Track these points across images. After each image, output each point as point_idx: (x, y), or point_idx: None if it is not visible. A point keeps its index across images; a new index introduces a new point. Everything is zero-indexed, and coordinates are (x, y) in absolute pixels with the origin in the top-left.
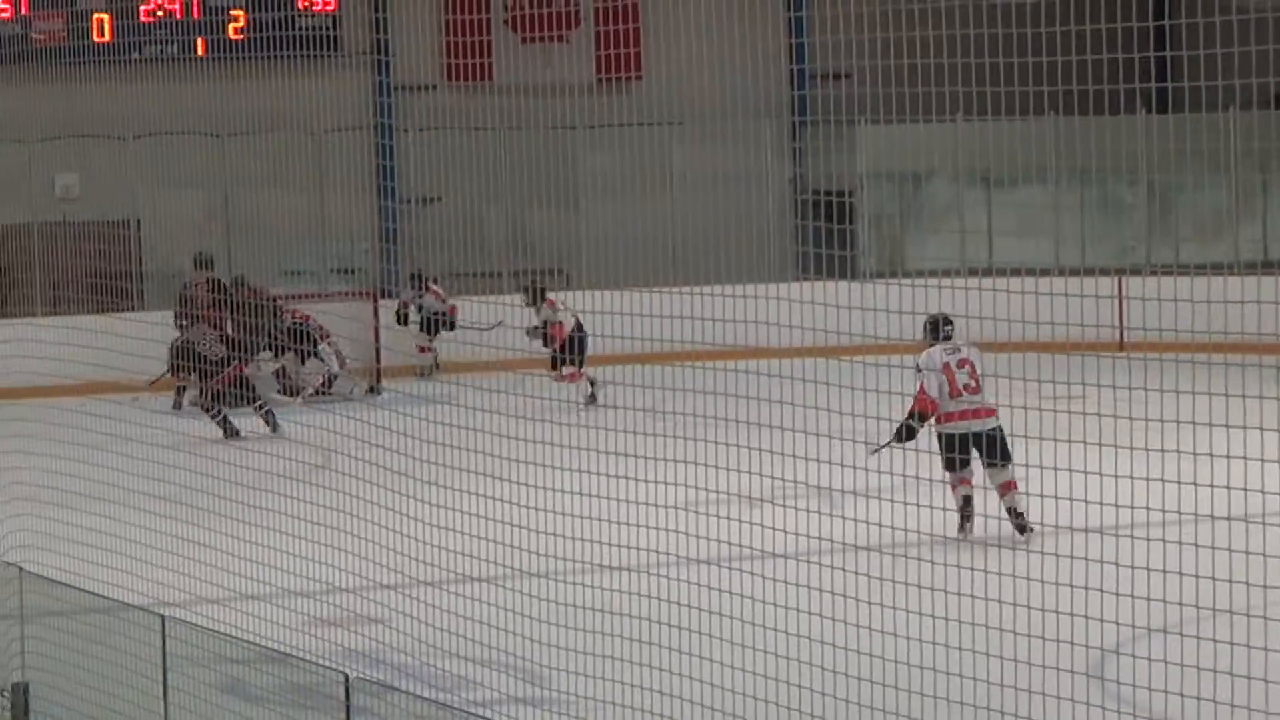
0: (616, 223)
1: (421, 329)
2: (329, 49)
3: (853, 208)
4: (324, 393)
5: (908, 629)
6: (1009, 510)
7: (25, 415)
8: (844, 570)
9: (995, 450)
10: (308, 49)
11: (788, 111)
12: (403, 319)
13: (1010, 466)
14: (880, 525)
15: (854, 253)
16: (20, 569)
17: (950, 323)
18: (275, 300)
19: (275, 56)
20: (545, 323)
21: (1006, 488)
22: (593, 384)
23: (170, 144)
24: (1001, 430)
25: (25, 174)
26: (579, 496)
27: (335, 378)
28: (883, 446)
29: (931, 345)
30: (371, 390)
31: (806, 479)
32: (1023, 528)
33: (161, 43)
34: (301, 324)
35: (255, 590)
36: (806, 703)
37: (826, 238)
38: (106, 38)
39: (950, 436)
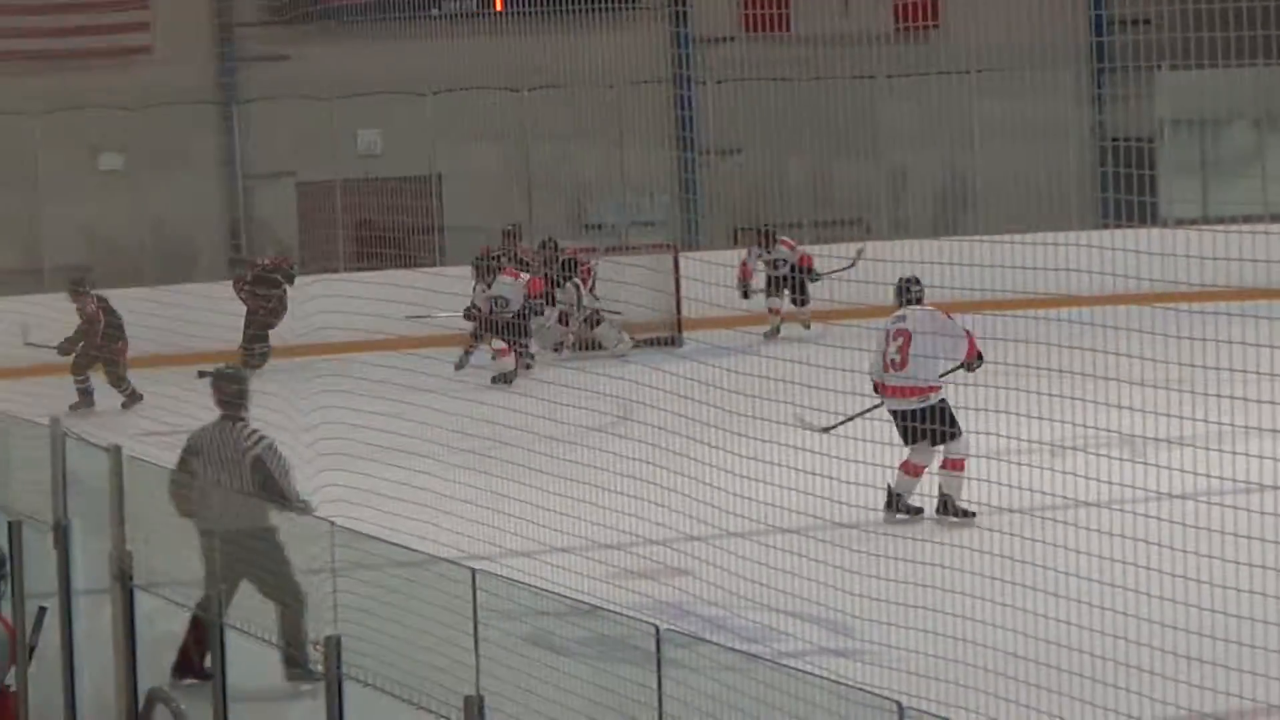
0: (917, 172)
1: (772, 289)
2: (627, 1)
3: (1154, 154)
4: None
5: (1224, 578)
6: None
7: (331, 370)
8: (1156, 518)
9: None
10: (606, 1)
11: (1088, 58)
12: (746, 292)
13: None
14: (1195, 473)
15: (1155, 199)
16: (331, 523)
17: (918, 284)
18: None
19: (573, 9)
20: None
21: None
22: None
23: (470, 99)
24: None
25: (328, 131)
26: (885, 446)
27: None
28: (837, 425)
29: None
30: (671, 342)
31: (1116, 426)
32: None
33: None
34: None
35: (563, 542)
36: (1121, 652)
37: (1128, 184)
38: None
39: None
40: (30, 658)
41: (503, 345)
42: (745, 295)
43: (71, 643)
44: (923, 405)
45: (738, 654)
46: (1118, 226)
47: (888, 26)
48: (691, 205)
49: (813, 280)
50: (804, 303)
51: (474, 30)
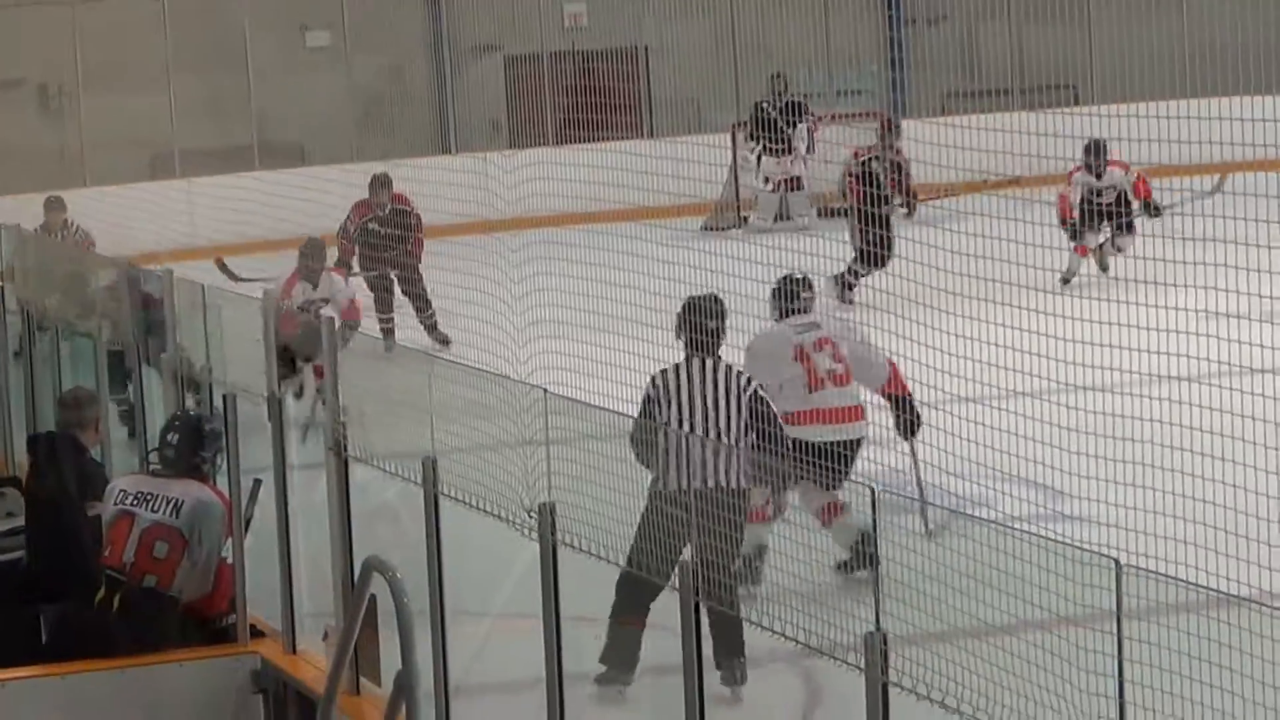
0: (1128, 34)
1: (1086, 222)
2: None
3: None
4: None
5: None
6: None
7: (541, 241)
8: None
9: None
10: None
11: None
12: (1075, 232)
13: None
14: None
15: None
16: (545, 391)
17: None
18: None
19: None
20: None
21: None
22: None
23: None
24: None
25: (534, 4)
26: (1132, 306)
27: None
28: None
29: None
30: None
31: None
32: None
33: None
34: None
35: None
36: None
37: None
38: None
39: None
40: (246, 530)
41: None
42: (1074, 237)
43: (287, 515)
44: (864, 434)
45: (953, 514)
46: None
47: None
48: (899, 76)
49: (1152, 216)
50: (1121, 245)
51: None
